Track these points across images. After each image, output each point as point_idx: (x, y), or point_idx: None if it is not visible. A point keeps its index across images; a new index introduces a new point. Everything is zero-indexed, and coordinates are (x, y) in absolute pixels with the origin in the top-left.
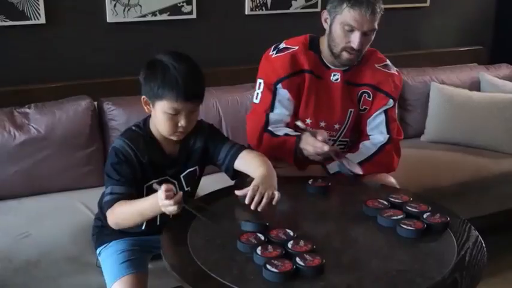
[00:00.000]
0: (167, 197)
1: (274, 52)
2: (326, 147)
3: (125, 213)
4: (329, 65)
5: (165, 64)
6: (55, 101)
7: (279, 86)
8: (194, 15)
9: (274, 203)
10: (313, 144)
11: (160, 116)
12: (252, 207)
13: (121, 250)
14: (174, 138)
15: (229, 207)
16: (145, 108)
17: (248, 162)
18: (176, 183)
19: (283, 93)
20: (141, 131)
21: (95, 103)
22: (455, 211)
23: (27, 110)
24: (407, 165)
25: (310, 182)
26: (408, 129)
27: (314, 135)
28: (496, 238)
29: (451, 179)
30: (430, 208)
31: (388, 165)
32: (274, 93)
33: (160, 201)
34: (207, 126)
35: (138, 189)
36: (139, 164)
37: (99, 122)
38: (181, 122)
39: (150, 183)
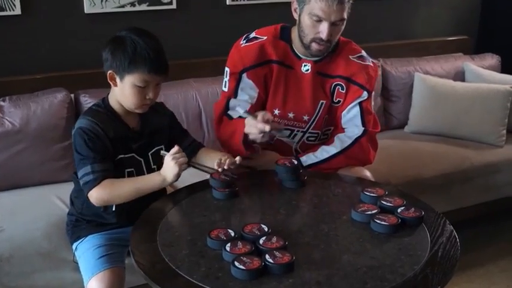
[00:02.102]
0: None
1: (244, 41)
2: (267, 127)
3: (120, 190)
4: (300, 55)
5: (133, 39)
6: (30, 93)
7: (244, 75)
8: (174, 6)
9: (237, 161)
10: (255, 126)
11: (129, 90)
12: (216, 165)
13: (97, 245)
14: (139, 111)
15: (202, 202)
16: (111, 83)
17: (208, 153)
18: (143, 160)
19: (247, 81)
20: (102, 109)
21: (72, 95)
22: (437, 203)
23: (2, 103)
24: (390, 156)
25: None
26: (392, 120)
27: (254, 117)
28: (478, 229)
29: (434, 170)
30: (405, 202)
31: (363, 158)
32: (238, 81)
33: (170, 156)
34: (170, 113)
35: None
36: (108, 139)
37: (76, 114)
38: (150, 95)
39: (118, 158)
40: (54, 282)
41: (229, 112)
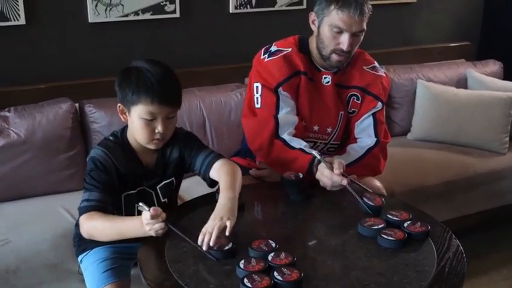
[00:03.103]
0: (153, 217)
1: (266, 56)
2: (344, 182)
3: (102, 227)
4: (319, 68)
5: (139, 69)
6: (35, 103)
7: (280, 89)
8: (177, 14)
9: (227, 233)
10: (330, 178)
11: (137, 123)
12: (204, 247)
13: (103, 258)
14: (152, 146)
15: (209, 215)
16: (122, 117)
17: (218, 176)
18: (153, 193)
19: (284, 94)
20: (119, 141)
21: (76, 105)
22: (440, 211)
23: (7, 114)
24: (393, 164)
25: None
26: (395, 128)
27: (331, 166)
28: (481, 236)
29: (438, 178)
30: (410, 216)
31: (375, 168)
32: (277, 97)
33: (145, 220)
34: (184, 133)
35: (115, 199)
36: (118, 174)
37: (80, 124)
38: (158, 128)
39: (128, 192)
40: None
41: (283, 136)
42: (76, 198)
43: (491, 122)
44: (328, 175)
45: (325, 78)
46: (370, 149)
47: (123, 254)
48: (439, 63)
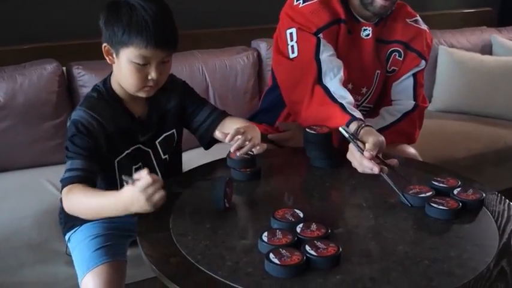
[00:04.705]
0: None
1: (301, 1)
2: (376, 170)
3: (79, 204)
4: (358, 18)
5: (130, 3)
6: (16, 65)
7: (321, 35)
8: None
9: (255, 152)
10: (360, 162)
11: (126, 67)
12: (232, 149)
13: (94, 235)
14: (142, 94)
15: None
16: (108, 59)
17: (231, 127)
18: (150, 152)
19: (324, 43)
20: (102, 95)
21: (63, 68)
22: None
23: None
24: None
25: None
26: None
27: (363, 146)
28: None
29: (466, 150)
30: (459, 183)
31: (410, 135)
32: (317, 41)
33: (140, 192)
34: (181, 82)
35: (108, 166)
36: (106, 135)
37: (68, 89)
38: (152, 74)
39: (122, 156)
40: (45, 278)
41: (326, 83)
42: (63, 171)
43: None
44: (358, 159)
45: (364, 30)
46: (407, 113)
47: (118, 231)
48: (462, 29)
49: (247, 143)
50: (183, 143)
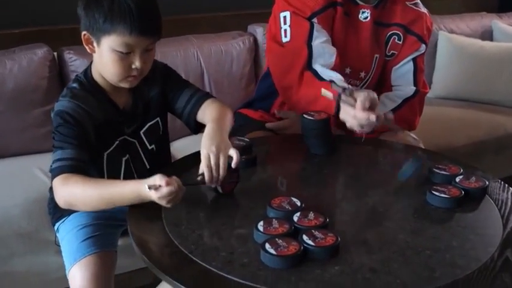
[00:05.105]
0: (168, 183)
1: None
2: (373, 116)
3: (84, 194)
4: (357, 0)
5: None
6: (6, 49)
7: (315, 20)
8: None
9: (233, 166)
10: (354, 116)
11: (108, 56)
12: (213, 185)
13: (82, 225)
14: (125, 85)
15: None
16: (88, 48)
17: (203, 116)
18: (136, 142)
19: (318, 28)
20: (85, 86)
21: (54, 53)
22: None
23: None
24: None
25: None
26: None
27: (352, 101)
28: None
29: (466, 138)
30: (461, 170)
31: (410, 122)
32: (311, 26)
33: (161, 199)
34: (162, 65)
35: (97, 159)
36: (94, 126)
37: (59, 74)
38: (136, 63)
39: (111, 149)
40: (36, 268)
41: (316, 67)
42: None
43: None
44: (351, 113)
45: (363, 12)
46: (407, 99)
47: (107, 220)
48: (462, 14)
49: (220, 170)
50: (174, 132)
